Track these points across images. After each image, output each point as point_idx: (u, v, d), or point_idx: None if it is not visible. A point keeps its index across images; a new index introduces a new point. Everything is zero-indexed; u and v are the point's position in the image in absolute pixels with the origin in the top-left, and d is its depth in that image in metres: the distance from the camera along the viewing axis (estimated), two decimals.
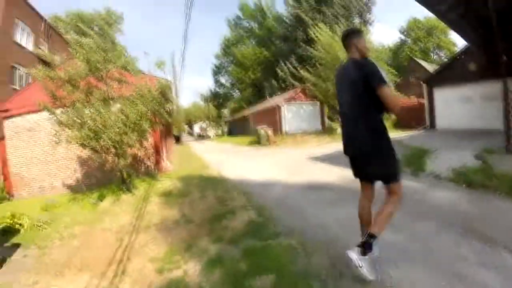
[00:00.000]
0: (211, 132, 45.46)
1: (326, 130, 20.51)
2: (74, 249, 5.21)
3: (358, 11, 28.58)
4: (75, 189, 9.27)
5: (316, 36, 17.82)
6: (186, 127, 74.03)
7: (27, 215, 6.89)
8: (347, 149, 2.51)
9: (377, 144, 2.28)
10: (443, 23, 10.84)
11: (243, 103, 40.32)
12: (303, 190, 5.61)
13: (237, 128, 34.73)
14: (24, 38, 15.63)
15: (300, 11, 28.19)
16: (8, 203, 8.92)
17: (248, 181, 7.09)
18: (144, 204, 6.50)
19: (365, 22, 27.61)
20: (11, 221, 6.58)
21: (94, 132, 6.48)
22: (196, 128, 58.73)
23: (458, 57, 13.57)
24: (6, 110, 9.67)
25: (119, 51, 7.38)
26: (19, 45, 14.78)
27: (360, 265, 2.18)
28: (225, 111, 48.22)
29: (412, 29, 44.74)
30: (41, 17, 17.36)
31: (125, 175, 8.04)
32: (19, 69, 14.35)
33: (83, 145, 6.84)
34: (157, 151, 9.94)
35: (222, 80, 47.76)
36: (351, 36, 2.48)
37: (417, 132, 13.31)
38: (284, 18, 35.49)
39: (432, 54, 44.13)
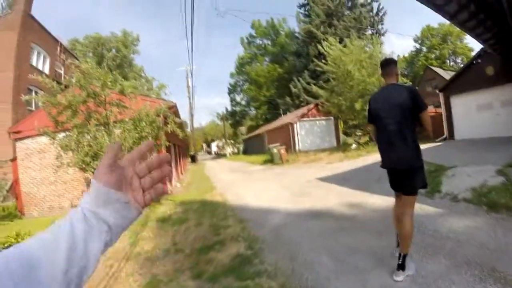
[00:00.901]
0: (227, 150, 45.42)
1: (340, 146, 19.85)
2: None
3: (370, 23, 28.25)
4: None
5: (326, 51, 17.50)
6: (204, 145, 74.88)
7: (31, 235, 6.87)
8: (390, 163, 2.73)
9: (420, 160, 2.61)
10: (456, 27, 10.15)
11: (259, 121, 40.21)
12: (304, 218, 5.22)
13: (253, 146, 34.45)
14: (41, 62, 16.11)
15: (312, 26, 28.14)
16: (18, 222, 9.10)
17: (248, 207, 6.79)
18: (141, 230, 6.30)
19: (377, 33, 27.15)
20: (15, 241, 6.60)
21: (91, 157, 6.42)
22: (214, 147, 58.98)
23: (473, 62, 12.84)
24: (18, 132, 9.94)
25: (136, 72, 7.37)
26: (36, 68, 15.10)
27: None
28: (242, 129, 48.14)
29: (426, 36, 43.72)
30: (56, 41, 17.87)
31: None
32: (36, 92, 14.79)
33: (82, 169, 6.80)
34: None
35: (238, 98, 48.06)
36: (393, 65, 2.83)
37: (435, 144, 12.48)
38: (296, 34, 35.61)
39: (448, 61, 42.72)
